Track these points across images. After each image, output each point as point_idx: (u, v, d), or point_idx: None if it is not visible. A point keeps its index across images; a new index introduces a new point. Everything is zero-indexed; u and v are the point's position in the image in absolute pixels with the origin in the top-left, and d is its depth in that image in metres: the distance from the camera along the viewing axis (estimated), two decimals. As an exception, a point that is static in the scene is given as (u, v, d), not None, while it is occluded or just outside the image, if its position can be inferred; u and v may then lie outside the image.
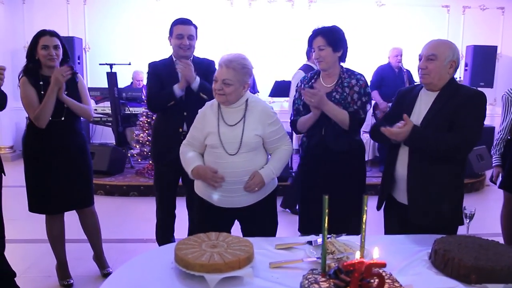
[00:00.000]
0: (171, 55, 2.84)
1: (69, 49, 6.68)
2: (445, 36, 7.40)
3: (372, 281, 1.21)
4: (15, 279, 2.59)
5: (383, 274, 1.31)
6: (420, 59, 2.13)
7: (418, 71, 2.14)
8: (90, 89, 6.21)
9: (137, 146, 5.38)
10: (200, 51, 2.90)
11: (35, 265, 3.14)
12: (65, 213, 2.87)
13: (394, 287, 1.23)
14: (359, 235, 1.93)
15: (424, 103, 2.13)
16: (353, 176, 2.55)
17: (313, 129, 2.52)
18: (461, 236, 1.66)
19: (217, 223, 2.18)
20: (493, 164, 3.19)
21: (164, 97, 2.74)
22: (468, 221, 1.76)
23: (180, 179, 2.89)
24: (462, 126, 1.99)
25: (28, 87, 2.59)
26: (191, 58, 2.79)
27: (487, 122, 7.03)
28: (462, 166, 2.14)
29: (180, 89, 2.70)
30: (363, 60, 6.37)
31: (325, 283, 1.23)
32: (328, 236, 1.74)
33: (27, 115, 2.69)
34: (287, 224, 3.75)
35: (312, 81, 2.56)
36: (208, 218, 2.28)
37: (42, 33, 2.63)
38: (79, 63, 6.61)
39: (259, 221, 2.25)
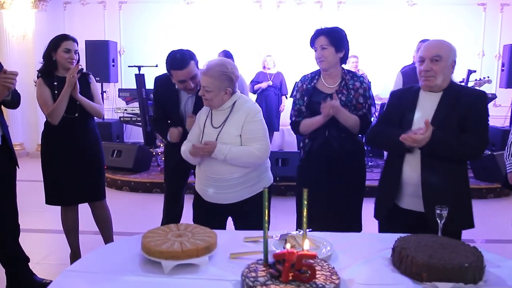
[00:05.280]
0: None
1: (104, 52, 7.03)
2: (481, 35, 7.14)
3: (309, 272, 1.26)
4: (29, 264, 2.81)
5: (327, 267, 1.36)
6: (420, 61, 2.08)
7: (420, 73, 2.09)
8: (121, 90, 6.53)
9: (162, 145, 5.59)
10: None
11: (53, 254, 3.38)
12: (82, 206, 3.06)
13: (331, 280, 1.26)
14: (348, 232, 1.97)
15: (426, 104, 2.09)
16: (354, 176, 2.58)
17: (316, 130, 2.54)
18: (426, 235, 1.66)
19: (211, 219, 2.27)
20: (508, 170, 3.05)
21: (161, 133, 2.92)
22: (439, 221, 1.74)
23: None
24: (476, 128, 2.01)
25: (43, 87, 2.80)
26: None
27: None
28: (466, 166, 2.21)
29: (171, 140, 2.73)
30: (394, 61, 6.28)
31: (263, 272, 1.29)
32: (296, 231, 1.81)
33: None
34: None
35: (314, 81, 2.59)
36: (202, 214, 2.39)
37: (65, 38, 2.83)
38: (113, 65, 6.95)
39: (251, 217, 2.29)
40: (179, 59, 2.53)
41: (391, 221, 2.20)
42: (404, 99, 2.19)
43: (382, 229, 2.30)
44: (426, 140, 1.95)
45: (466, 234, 3.32)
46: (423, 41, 4.05)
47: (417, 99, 2.12)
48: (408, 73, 3.98)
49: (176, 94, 2.75)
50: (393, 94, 2.32)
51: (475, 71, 6.25)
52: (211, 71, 2.16)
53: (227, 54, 5.26)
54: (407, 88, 2.28)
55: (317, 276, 1.26)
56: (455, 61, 2.07)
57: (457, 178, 2.10)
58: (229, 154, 2.14)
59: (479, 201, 5.06)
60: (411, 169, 2.08)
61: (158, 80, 2.86)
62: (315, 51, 2.50)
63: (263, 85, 6.43)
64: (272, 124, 6.44)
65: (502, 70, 6.74)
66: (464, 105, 2.01)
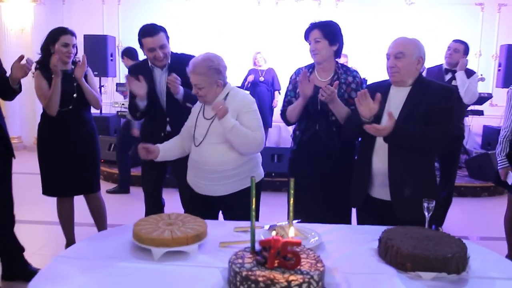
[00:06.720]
0: (147, 59, 2.85)
1: (103, 46, 7.02)
2: (479, 35, 7.15)
3: (294, 259, 1.29)
4: (24, 254, 2.83)
5: (312, 255, 1.39)
6: (388, 58, 2.18)
7: (387, 70, 2.20)
8: (119, 84, 6.55)
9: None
10: (228, 49, 2.88)
11: (48, 245, 3.42)
12: (78, 198, 3.10)
13: (316, 267, 1.29)
14: (333, 224, 2.00)
15: (396, 98, 2.19)
16: (343, 171, 2.59)
17: (306, 123, 2.57)
18: (413, 228, 1.69)
19: (202, 211, 2.29)
20: (499, 167, 3.10)
21: (133, 109, 2.81)
22: (427, 213, 1.77)
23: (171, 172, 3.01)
24: (440, 120, 2.08)
25: (41, 80, 2.83)
26: (169, 59, 2.80)
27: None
28: (434, 158, 2.28)
29: (141, 101, 2.72)
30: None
31: (249, 259, 1.32)
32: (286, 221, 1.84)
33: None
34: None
35: (308, 74, 2.62)
36: (194, 207, 2.40)
37: (64, 31, 2.85)
38: (111, 60, 6.96)
39: (241, 210, 2.28)
40: (150, 27, 2.73)
41: (366, 209, 2.30)
42: (376, 92, 2.25)
43: (359, 217, 2.40)
44: (388, 130, 2.01)
45: (460, 231, 3.38)
46: (455, 41, 4.16)
47: (388, 93, 2.22)
48: (431, 71, 4.23)
49: (150, 72, 2.81)
50: (368, 88, 2.38)
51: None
52: (198, 68, 2.19)
53: (130, 50, 5.18)
54: (380, 82, 2.37)
55: (302, 263, 1.29)
56: (422, 57, 2.15)
57: (423, 169, 2.17)
58: (235, 127, 2.15)
59: (473, 199, 5.11)
60: (379, 160, 2.16)
61: (131, 66, 3.07)
62: (309, 44, 2.53)
63: (250, 78, 6.44)
64: (266, 120, 6.43)
65: (499, 70, 6.76)
66: (430, 99, 2.10)
